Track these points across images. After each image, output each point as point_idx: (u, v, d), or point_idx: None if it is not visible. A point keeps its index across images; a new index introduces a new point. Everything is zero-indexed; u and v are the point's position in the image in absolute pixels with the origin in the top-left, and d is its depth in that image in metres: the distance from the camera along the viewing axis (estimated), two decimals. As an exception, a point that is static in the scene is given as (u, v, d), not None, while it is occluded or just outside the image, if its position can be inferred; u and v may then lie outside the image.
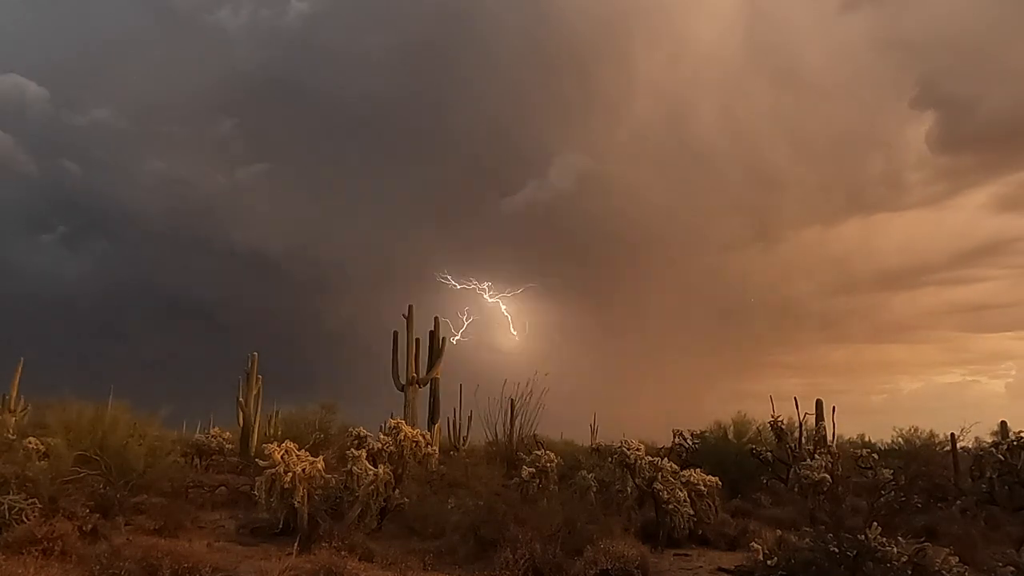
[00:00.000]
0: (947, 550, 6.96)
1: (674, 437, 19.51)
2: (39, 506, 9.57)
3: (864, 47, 45.78)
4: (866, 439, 21.30)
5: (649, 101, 47.14)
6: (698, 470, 12.35)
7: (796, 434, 14.02)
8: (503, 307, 25.36)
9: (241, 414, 20.76)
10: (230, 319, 45.68)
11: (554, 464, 13.30)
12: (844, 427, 15.02)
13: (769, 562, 7.54)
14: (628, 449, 12.00)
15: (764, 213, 46.91)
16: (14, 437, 15.85)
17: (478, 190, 48.97)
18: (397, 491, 11.64)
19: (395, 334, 20.03)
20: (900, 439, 21.20)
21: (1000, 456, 12.80)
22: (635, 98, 47.85)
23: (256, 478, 10.74)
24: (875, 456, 14.31)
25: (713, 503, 12.04)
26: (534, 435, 19.05)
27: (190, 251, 50.86)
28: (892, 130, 46.64)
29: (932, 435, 21.03)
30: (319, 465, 10.73)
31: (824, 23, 46.62)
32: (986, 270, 48.19)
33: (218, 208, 51.15)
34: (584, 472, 13.48)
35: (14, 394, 22.67)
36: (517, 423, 19.79)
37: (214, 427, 24.00)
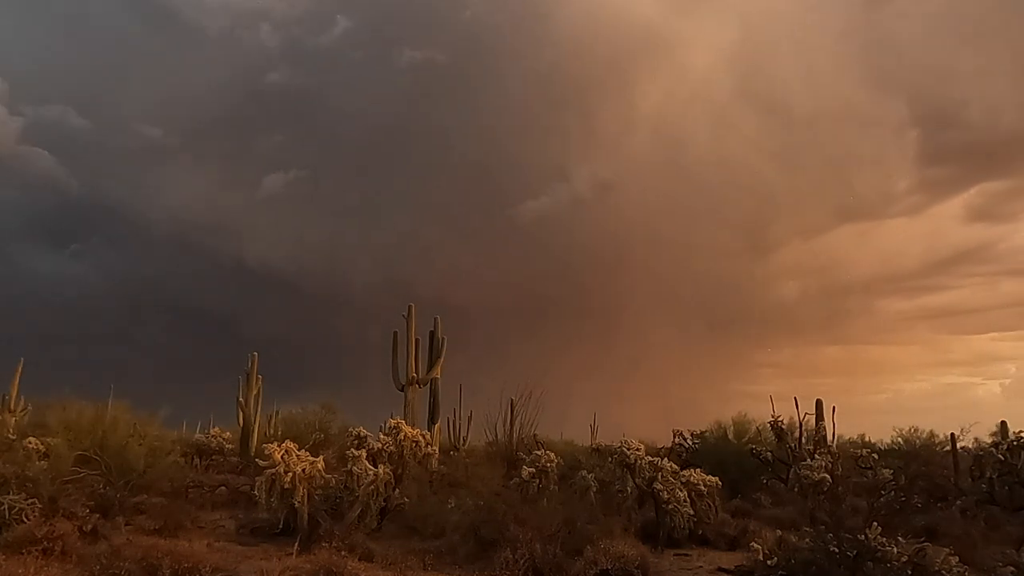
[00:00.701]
0: (947, 550, 6.96)
1: (674, 437, 19.53)
2: (39, 506, 9.57)
3: (857, 72, 46.66)
4: (866, 439, 21.31)
5: (649, 126, 48.00)
6: (698, 470, 12.35)
7: (796, 434, 14.03)
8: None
9: (241, 414, 20.76)
10: (232, 321, 45.98)
11: (554, 464, 13.30)
12: (837, 427, 15.17)
13: (769, 562, 7.54)
14: (628, 449, 12.00)
15: (757, 225, 47.99)
16: (14, 437, 15.85)
17: (486, 202, 49.48)
18: (397, 491, 11.64)
19: (395, 334, 19.99)
20: (900, 439, 21.20)
21: (1000, 456, 12.80)
22: (636, 126, 48.64)
23: (256, 478, 10.73)
24: (875, 456, 14.32)
25: (713, 503, 12.04)
26: (534, 435, 19.05)
27: (198, 259, 51.46)
28: (878, 148, 47.59)
29: (932, 435, 21.04)
30: (319, 465, 10.72)
31: (822, 48, 47.37)
32: (961, 278, 49.24)
33: (230, 220, 51.64)
34: (584, 472, 13.48)
35: (14, 394, 22.66)
36: (517, 423, 19.80)
37: (214, 427, 24.02)
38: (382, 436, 12.01)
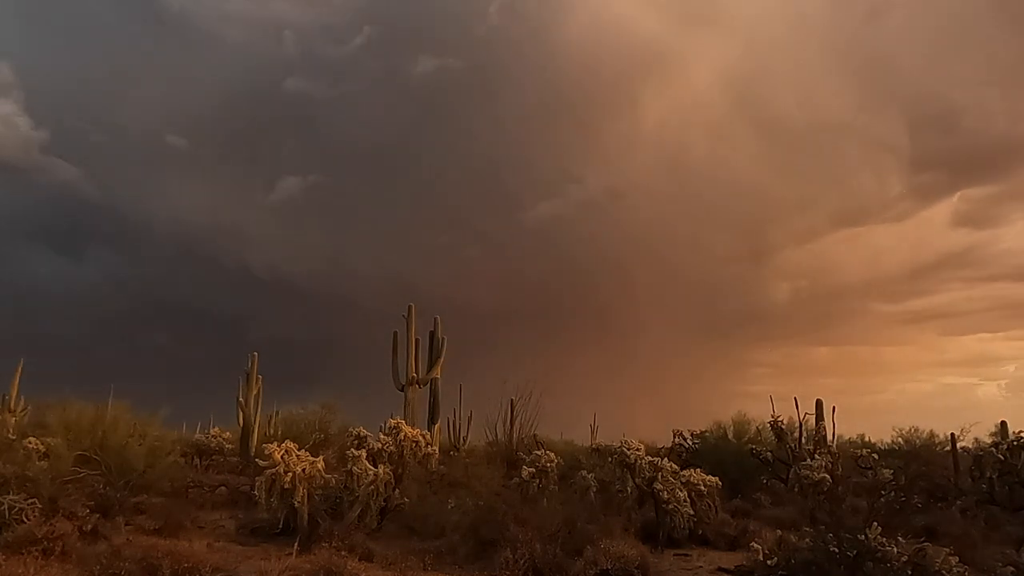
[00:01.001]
0: (947, 550, 6.96)
1: (674, 437, 19.53)
2: (39, 506, 9.56)
3: (852, 85, 48.62)
4: (866, 439, 21.32)
5: (655, 138, 49.23)
6: (698, 470, 12.35)
7: (796, 434, 14.04)
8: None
9: (241, 414, 20.71)
10: (235, 323, 46.33)
11: (554, 464, 13.30)
12: (836, 427, 15.28)
13: (769, 562, 7.54)
14: (628, 449, 12.00)
15: (754, 231, 49.47)
16: (14, 437, 15.84)
17: (495, 207, 50.32)
18: (397, 491, 11.64)
19: (395, 334, 19.99)
20: (900, 439, 21.21)
21: (1000, 456, 12.82)
22: (643, 138, 49.88)
23: (256, 478, 10.74)
24: (875, 456, 14.33)
25: (713, 503, 12.03)
26: (534, 435, 19.07)
27: (202, 264, 52.03)
28: (871, 156, 48.56)
29: (932, 435, 21.05)
30: (319, 465, 10.73)
31: (819, 63, 48.62)
32: (951, 281, 50.61)
33: (239, 224, 52.12)
34: (584, 472, 13.49)
35: (14, 394, 22.62)
36: (517, 423, 19.81)
37: (214, 427, 24.02)
38: (382, 436, 12.01)
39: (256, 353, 21.40)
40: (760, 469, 15.41)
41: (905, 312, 54.33)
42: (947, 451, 18.62)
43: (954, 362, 54.47)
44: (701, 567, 10.04)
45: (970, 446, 17.75)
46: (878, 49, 48.10)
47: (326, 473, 10.95)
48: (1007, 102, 47.42)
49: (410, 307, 20.42)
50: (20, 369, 22.91)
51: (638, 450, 12.07)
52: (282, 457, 10.38)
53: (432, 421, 19.79)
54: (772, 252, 51.74)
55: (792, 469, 13.26)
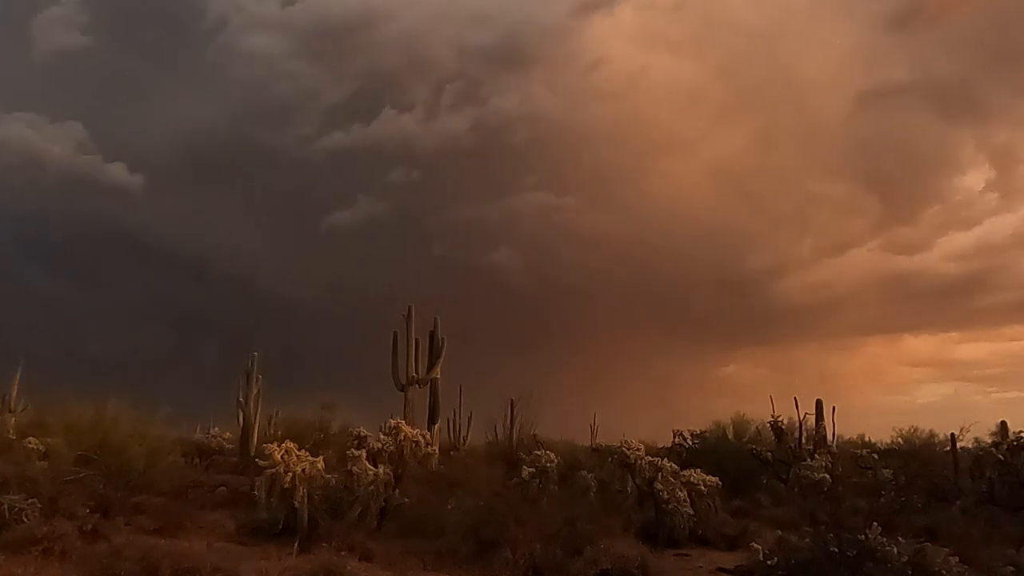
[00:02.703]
0: (947, 550, 6.97)
1: (674, 437, 19.56)
2: (39, 506, 9.56)
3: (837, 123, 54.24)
4: (866, 439, 21.33)
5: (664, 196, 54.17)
6: (698, 470, 12.35)
7: (796, 434, 14.06)
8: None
9: (241, 414, 20.75)
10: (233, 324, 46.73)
11: (554, 464, 13.31)
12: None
13: (769, 562, 7.54)
14: (628, 449, 12.01)
15: (740, 263, 54.25)
16: (14, 437, 15.85)
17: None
18: (397, 491, 11.63)
19: (395, 334, 19.98)
20: (900, 439, 21.21)
21: (1000, 456, 12.84)
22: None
23: (256, 478, 10.73)
24: (875, 456, 14.35)
25: (713, 503, 12.03)
26: (534, 435, 19.09)
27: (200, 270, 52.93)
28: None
29: (932, 435, 21.05)
30: (319, 465, 10.72)
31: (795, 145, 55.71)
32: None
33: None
34: (584, 472, 13.51)
35: (14, 394, 22.63)
36: (517, 423, 19.83)
37: (214, 427, 24.04)
38: (382, 436, 12.00)
39: (256, 353, 21.47)
40: (760, 469, 15.42)
41: (867, 321, 58.28)
42: (947, 451, 18.62)
43: (929, 363, 59.22)
44: (701, 567, 10.04)
45: (970, 446, 17.76)
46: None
47: (326, 473, 10.94)
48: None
49: (410, 307, 20.40)
50: (20, 369, 22.95)
51: (638, 450, 12.08)
52: (282, 457, 10.38)
53: (432, 421, 19.78)
54: (759, 278, 55.72)
55: (792, 469, 13.29)
